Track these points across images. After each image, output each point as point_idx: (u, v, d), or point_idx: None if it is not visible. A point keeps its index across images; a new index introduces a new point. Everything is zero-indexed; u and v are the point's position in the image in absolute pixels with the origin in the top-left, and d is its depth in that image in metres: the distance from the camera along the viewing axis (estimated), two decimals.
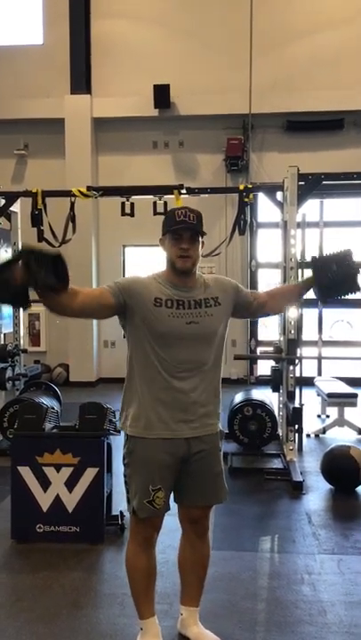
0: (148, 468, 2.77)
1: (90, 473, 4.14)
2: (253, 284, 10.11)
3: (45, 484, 4.16)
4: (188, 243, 2.76)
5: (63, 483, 4.15)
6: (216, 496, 2.96)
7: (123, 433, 2.87)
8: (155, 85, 9.66)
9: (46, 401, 5.84)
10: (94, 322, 10.08)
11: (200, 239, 2.80)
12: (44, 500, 4.16)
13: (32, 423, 4.27)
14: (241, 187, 6.49)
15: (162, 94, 9.71)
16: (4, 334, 6.78)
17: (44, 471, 4.16)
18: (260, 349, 9.73)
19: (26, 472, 4.17)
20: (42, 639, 3.11)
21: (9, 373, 6.44)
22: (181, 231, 2.76)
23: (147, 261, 10.39)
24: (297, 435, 6.30)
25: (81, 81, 10.02)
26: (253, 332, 10.18)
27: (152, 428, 2.75)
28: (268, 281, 10.03)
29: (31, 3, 10.30)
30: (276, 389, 6.34)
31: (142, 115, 9.95)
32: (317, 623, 3.25)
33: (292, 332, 5.89)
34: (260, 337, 10.25)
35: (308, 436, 6.87)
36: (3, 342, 6.65)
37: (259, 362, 9.77)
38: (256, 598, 3.51)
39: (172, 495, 2.89)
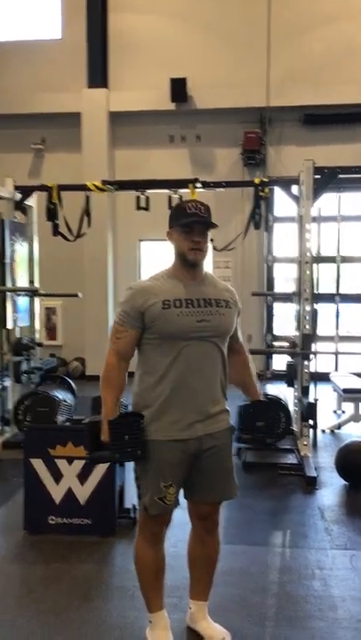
0: (159, 464, 2.76)
1: (102, 466, 4.13)
2: (270, 279, 10.08)
3: (57, 476, 4.18)
4: (200, 235, 2.76)
5: (75, 475, 4.17)
6: (226, 492, 2.96)
7: None
8: (172, 79, 9.62)
9: (61, 394, 5.88)
10: (110, 316, 10.11)
11: (209, 232, 2.80)
12: (57, 493, 4.19)
13: (45, 416, 4.30)
14: (257, 180, 6.45)
15: (179, 88, 9.67)
16: (20, 328, 6.80)
17: (56, 463, 4.18)
18: (276, 344, 9.66)
19: (38, 464, 4.20)
20: (52, 630, 3.13)
21: (24, 366, 6.46)
22: (193, 224, 2.75)
23: (162, 256, 10.38)
24: (312, 430, 6.28)
25: (98, 75, 10.01)
26: (270, 326, 10.13)
27: (166, 431, 2.75)
28: (286, 275, 9.97)
29: None
30: (290, 384, 6.31)
31: (159, 108, 9.91)
32: (328, 618, 3.24)
33: (307, 326, 5.86)
34: (277, 332, 10.20)
35: (323, 431, 6.83)
36: (18, 336, 6.66)
37: (275, 357, 9.72)
38: (266, 593, 3.50)
39: (181, 491, 2.89)
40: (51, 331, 10.35)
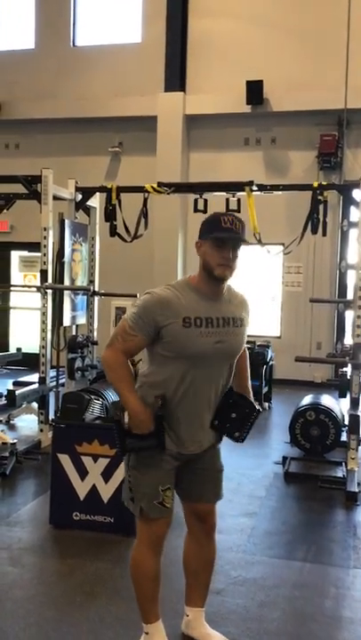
0: (156, 469, 2.76)
1: (124, 465, 4.15)
2: (342, 287, 9.79)
3: (83, 473, 4.23)
4: (232, 252, 2.65)
5: (100, 473, 4.21)
6: (219, 492, 2.96)
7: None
8: (248, 81, 9.57)
9: (112, 393, 5.94)
10: None
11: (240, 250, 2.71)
12: (82, 489, 4.24)
13: (73, 413, 4.37)
14: (315, 184, 6.30)
15: (255, 90, 9.61)
16: (77, 326, 6.95)
17: (82, 460, 4.23)
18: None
19: (65, 460, 4.27)
20: (48, 623, 3.17)
21: (78, 364, 6.60)
22: (226, 240, 2.65)
23: None
24: None
25: (175, 78, 10.11)
26: (340, 334, 9.85)
27: (171, 445, 2.74)
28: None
29: (131, 1, 10.48)
30: (342, 395, 6.11)
31: (235, 111, 9.88)
32: (329, 639, 3.11)
33: (359, 335, 5.65)
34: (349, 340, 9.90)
35: None
36: (75, 333, 6.81)
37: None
38: (273, 607, 3.39)
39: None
40: None
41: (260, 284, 10.04)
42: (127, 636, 3.03)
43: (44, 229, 6.13)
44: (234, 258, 2.66)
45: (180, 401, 2.70)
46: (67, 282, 6.52)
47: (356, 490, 5.06)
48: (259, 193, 6.58)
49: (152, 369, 2.75)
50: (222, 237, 2.62)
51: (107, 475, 4.19)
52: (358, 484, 5.21)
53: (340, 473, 5.59)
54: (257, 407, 2.92)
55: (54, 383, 6.55)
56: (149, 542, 2.85)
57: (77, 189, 6.76)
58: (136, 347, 2.72)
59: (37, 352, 6.28)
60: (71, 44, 10.85)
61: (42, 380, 6.22)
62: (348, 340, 9.49)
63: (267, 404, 8.28)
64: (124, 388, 2.72)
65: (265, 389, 8.23)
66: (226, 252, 2.63)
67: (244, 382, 3.00)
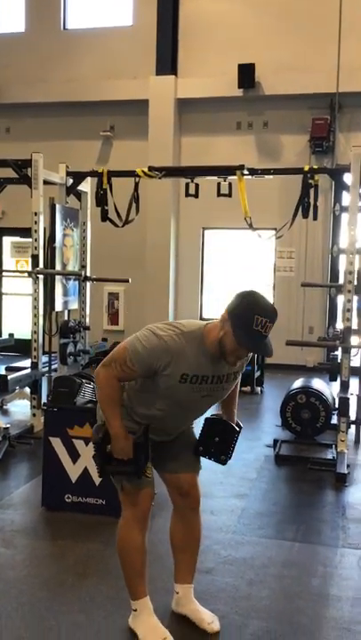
0: None
1: None
2: (334, 271, 9.82)
3: (74, 455, 4.28)
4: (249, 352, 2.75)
5: (91, 456, 4.22)
6: (196, 462, 3.06)
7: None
8: (239, 65, 9.52)
9: None
10: (171, 303, 10.20)
11: None
12: (73, 472, 4.29)
13: (64, 396, 4.40)
14: (305, 168, 6.31)
15: (247, 74, 9.57)
16: (69, 310, 6.96)
17: (73, 443, 4.27)
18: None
19: (57, 443, 4.31)
20: (40, 603, 3.21)
21: (70, 349, 6.62)
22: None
23: (226, 245, 10.34)
24: (354, 426, 6.11)
25: (167, 62, 10.05)
26: (332, 318, 9.89)
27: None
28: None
29: None
30: (333, 379, 6.15)
31: (226, 95, 9.84)
32: (316, 616, 3.17)
33: (351, 319, 5.68)
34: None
35: None
36: (67, 318, 6.83)
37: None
38: (262, 585, 3.45)
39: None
40: (113, 316, 10.53)
41: (253, 269, 10.10)
42: (117, 615, 3.08)
43: (35, 214, 6.12)
44: (249, 355, 2.79)
45: (156, 422, 2.81)
46: (58, 267, 6.52)
47: (346, 471, 5.12)
48: (250, 177, 6.57)
49: (141, 390, 2.81)
50: (245, 342, 2.60)
51: None
52: (348, 465, 5.27)
53: (329, 455, 5.65)
54: (237, 428, 3.05)
55: (46, 368, 6.58)
56: (135, 518, 2.89)
57: (68, 174, 6.74)
58: (131, 377, 2.77)
59: (30, 338, 6.29)
60: (62, 27, 10.76)
61: (34, 366, 6.24)
62: (340, 325, 9.56)
63: (259, 389, 8.33)
64: (109, 411, 2.76)
65: (257, 374, 8.27)
66: (244, 352, 2.67)
67: (230, 410, 3.11)
